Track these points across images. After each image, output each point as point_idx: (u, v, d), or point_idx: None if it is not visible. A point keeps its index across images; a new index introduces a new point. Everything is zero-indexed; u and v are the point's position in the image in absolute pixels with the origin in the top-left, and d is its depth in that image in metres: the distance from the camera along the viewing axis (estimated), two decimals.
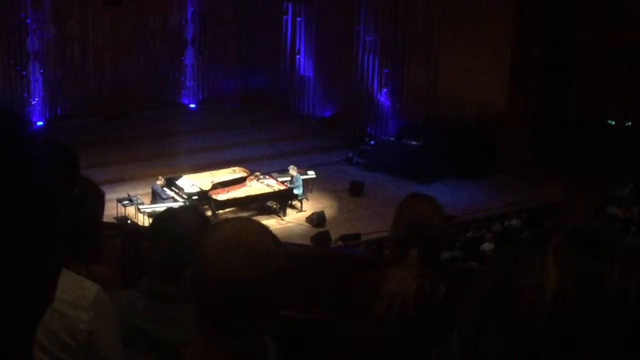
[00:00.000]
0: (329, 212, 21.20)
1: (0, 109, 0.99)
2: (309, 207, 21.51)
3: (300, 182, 21.76)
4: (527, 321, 0.98)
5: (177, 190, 20.92)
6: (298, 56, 28.13)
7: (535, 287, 0.99)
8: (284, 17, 28.03)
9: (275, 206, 21.27)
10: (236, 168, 22.50)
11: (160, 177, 21.21)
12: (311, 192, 22.26)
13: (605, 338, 0.96)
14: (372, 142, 25.05)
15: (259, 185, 21.68)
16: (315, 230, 19.70)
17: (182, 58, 27.93)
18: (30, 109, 24.52)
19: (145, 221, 19.20)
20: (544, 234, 1.05)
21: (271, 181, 21.81)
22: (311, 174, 22.59)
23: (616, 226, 17.65)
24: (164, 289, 2.90)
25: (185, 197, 20.56)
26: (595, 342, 0.96)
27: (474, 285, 1.07)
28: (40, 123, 24.33)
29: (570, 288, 0.98)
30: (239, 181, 21.63)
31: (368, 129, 26.24)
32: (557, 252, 1.01)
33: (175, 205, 19.27)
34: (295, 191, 21.56)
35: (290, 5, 27.83)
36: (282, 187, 21.49)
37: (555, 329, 0.97)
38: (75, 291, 2.38)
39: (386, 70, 25.98)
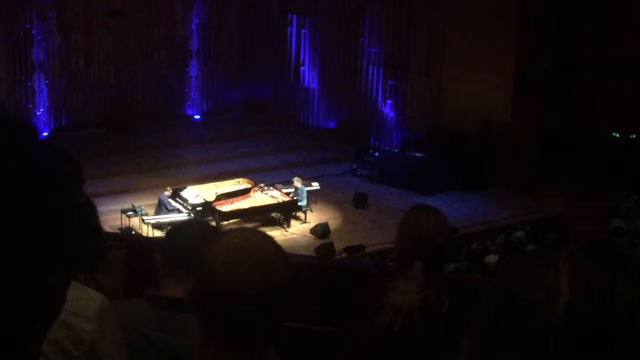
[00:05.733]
0: (333, 224, 21.19)
1: (13, 119, 0.98)
2: (313, 218, 21.51)
3: (305, 194, 21.76)
4: (539, 332, 0.98)
5: (181, 202, 20.93)
6: (302, 68, 28.18)
7: (548, 298, 0.99)
8: (289, 28, 28.09)
9: (279, 217, 21.27)
10: (240, 179, 22.50)
11: (168, 188, 21.24)
12: (315, 204, 22.26)
13: (617, 350, 0.96)
14: (376, 154, 25.05)
15: (263, 197, 21.69)
16: (319, 242, 19.69)
17: (187, 69, 28.00)
18: (35, 119, 24.56)
19: (149, 232, 19.20)
20: (555, 246, 1.05)
21: (275, 192, 21.82)
22: (315, 185, 22.59)
23: (620, 239, 17.62)
24: (171, 298, 2.92)
25: (190, 208, 20.56)
26: (607, 354, 0.96)
27: (485, 297, 1.06)
28: (44, 134, 24.37)
29: (583, 300, 0.98)
30: (243, 192, 21.63)
31: (372, 141, 26.25)
32: (569, 264, 1.01)
33: (183, 217, 19.36)
34: (300, 203, 21.56)
35: (294, 17, 27.89)
36: (286, 199, 21.50)
37: (567, 340, 0.97)
38: (80, 301, 2.37)
39: (390, 82, 26.01)
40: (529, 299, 1.00)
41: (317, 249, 18.74)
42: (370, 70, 26.40)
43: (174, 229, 3.26)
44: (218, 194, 21.15)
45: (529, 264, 1.05)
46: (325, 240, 19.75)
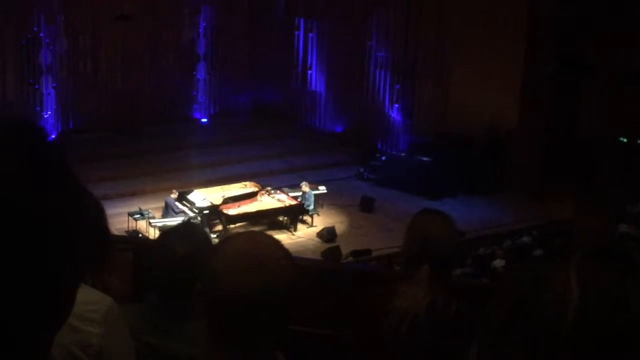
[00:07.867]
0: (340, 228, 21.18)
1: (22, 119, 0.98)
2: (320, 222, 21.50)
3: (312, 198, 21.75)
4: (549, 337, 0.98)
5: (188, 205, 20.95)
6: (310, 71, 28.17)
7: (558, 303, 0.99)
8: (296, 32, 28.09)
9: (286, 221, 21.27)
10: (247, 183, 22.51)
11: (174, 191, 21.29)
12: (322, 208, 22.25)
13: (627, 355, 0.96)
14: (383, 158, 25.02)
15: (270, 200, 21.69)
16: (325, 246, 19.68)
17: (194, 72, 28.01)
18: (42, 122, 24.59)
19: (155, 235, 19.21)
20: (564, 251, 1.05)
21: (282, 196, 21.81)
22: (322, 189, 22.58)
23: (628, 244, 17.55)
24: (172, 305, 2.92)
25: (197, 211, 20.58)
26: (617, 359, 0.96)
27: (495, 301, 1.06)
28: (52, 136, 24.40)
29: (592, 305, 0.98)
30: (250, 196, 21.64)
31: (379, 145, 26.22)
32: (579, 269, 1.01)
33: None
34: (306, 206, 21.54)
35: (302, 20, 27.89)
36: (293, 202, 21.49)
37: (577, 345, 0.97)
38: (87, 304, 2.36)
39: (397, 86, 25.98)
40: (539, 303, 1.00)
41: (324, 253, 18.73)
42: (378, 74, 26.39)
43: (165, 235, 3.19)
44: (225, 197, 21.16)
45: (539, 268, 1.05)
46: (332, 244, 19.74)
